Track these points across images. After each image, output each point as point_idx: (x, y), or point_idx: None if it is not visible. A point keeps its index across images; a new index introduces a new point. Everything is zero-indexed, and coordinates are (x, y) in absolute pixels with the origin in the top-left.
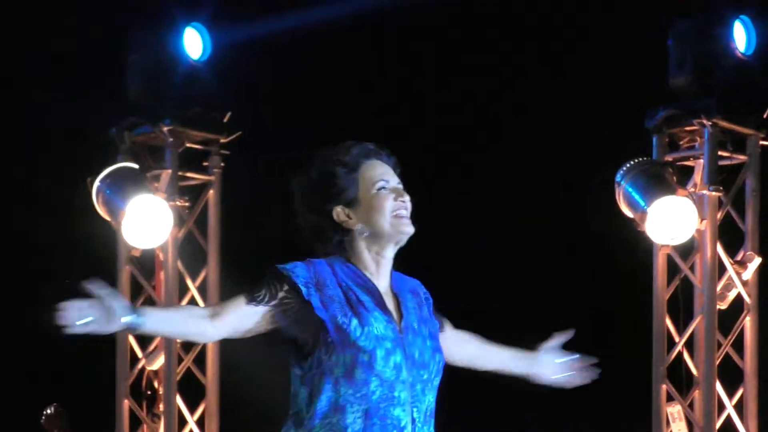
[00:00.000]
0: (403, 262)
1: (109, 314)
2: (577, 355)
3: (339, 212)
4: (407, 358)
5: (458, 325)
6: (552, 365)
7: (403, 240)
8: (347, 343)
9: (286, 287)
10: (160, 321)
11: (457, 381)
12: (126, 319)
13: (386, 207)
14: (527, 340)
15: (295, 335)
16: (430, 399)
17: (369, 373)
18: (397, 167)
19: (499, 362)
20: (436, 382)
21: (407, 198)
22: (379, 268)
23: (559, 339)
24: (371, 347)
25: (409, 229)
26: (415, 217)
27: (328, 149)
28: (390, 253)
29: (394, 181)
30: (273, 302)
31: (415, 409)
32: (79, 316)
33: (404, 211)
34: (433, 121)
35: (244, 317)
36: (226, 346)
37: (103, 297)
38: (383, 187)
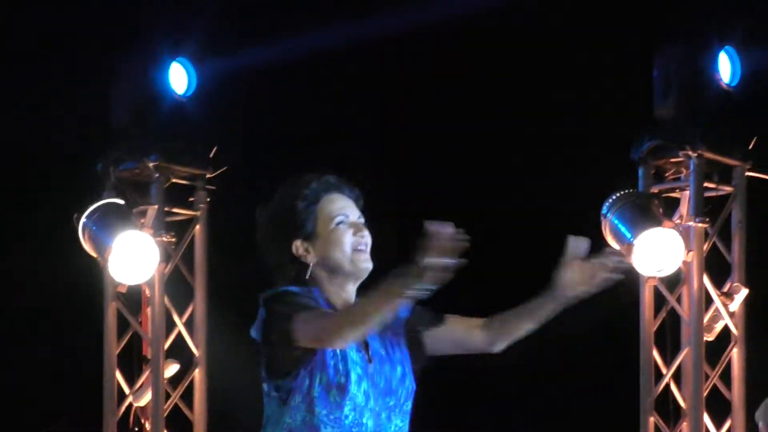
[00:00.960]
0: None
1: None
2: (599, 259)
3: (298, 246)
4: (374, 386)
5: None
6: (581, 275)
7: (363, 275)
8: (324, 364)
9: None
10: None
11: (440, 400)
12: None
13: (344, 242)
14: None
15: (280, 350)
16: (397, 424)
17: (344, 396)
18: (359, 200)
19: (527, 315)
20: (407, 407)
21: (366, 233)
22: (343, 301)
23: (576, 246)
24: (346, 369)
25: (368, 265)
26: (374, 253)
27: (289, 182)
28: (351, 287)
29: (354, 215)
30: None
31: None
32: None
33: (363, 246)
34: (417, 154)
35: None
36: (214, 381)
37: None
38: (342, 222)
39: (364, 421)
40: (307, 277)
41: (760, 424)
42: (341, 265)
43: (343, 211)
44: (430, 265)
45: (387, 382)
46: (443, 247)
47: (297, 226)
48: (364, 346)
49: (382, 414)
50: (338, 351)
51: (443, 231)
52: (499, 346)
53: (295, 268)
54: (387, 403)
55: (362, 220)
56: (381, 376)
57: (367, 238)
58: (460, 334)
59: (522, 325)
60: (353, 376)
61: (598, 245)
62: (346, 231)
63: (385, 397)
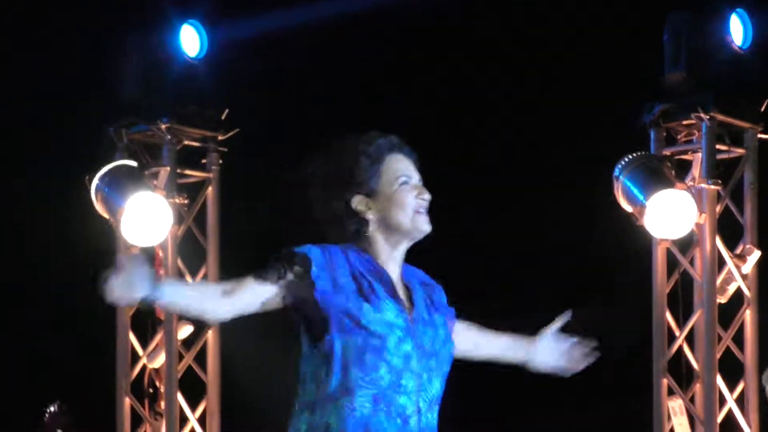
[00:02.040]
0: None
1: (131, 284)
2: (576, 339)
3: (359, 202)
4: (417, 347)
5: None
6: (551, 351)
7: (420, 236)
8: (359, 326)
9: (297, 268)
10: (176, 295)
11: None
12: (143, 291)
13: (407, 202)
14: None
15: (305, 315)
16: (436, 386)
17: (379, 358)
18: (417, 163)
19: (498, 350)
20: (445, 369)
21: (428, 196)
22: (393, 260)
23: (557, 323)
24: (383, 332)
25: (427, 227)
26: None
27: (351, 138)
28: (404, 246)
29: (416, 177)
30: (281, 281)
31: (421, 399)
32: (109, 286)
33: (424, 208)
34: (432, 119)
35: (254, 295)
36: (227, 343)
37: (128, 268)
38: (405, 182)
39: (403, 382)
40: (367, 234)
41: (767, 388)
42: (402, 225)
43: (407, 171)
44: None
45: (431, 343)
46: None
47: (360, 182)
48: (409, 306)
49: (423, 375)
50: (374, 312)
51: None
52: (458, 354)
53: (354, 222)
54: (429, 364)
55: (422, 182)
56: (424, 336)
57: (427, 201)
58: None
59: (490, 353)
60: (392, 339)
61: (611, 209)
62: (410, 192)
63: (429, 359)
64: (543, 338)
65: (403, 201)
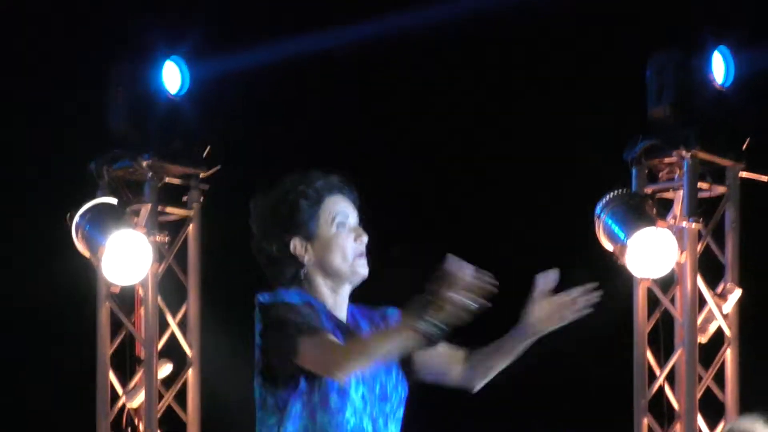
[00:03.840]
0: None
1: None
2: (572, 290)
3: (296, 245)
4: (371, 391)
5: None
6: (550, 312)
7: (359, 281)
8: None
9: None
10: None
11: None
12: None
13: (345, 246)
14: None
15: (277, 366)
16: (392, 430)
17: (344, 401)
18: (357, 202)
19: (502, 354)
20: (399, 413)
21: (365, 239)
22: (337, 303)
23: (545, 282)
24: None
25: (364, 272)
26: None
27: (293, 178)
28: (346, 290)
29: (354, 219)
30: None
31: None
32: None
33: (362, 252)
34: (410, 156)
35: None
36: (207, 381)
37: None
38: (342, 224)
39: (365, 425)
40: (302, 278)
41: None
42: (340, 270)
43: (344, 214)
44: (452, 302)
45: (382, 387)
46: (467, 286)
47: (298, 224)
48: None
49: (379, 420)
50: None
51: (464, 271)
52: (476, 385)
53: (291, 264)
54: (383, 408)
55: (360, 225)
56: (376, 380)
57: (365, 242)
58: (442, 364)
59: (498, 361)
60: (352, 380)
61: (591, 247)
62: (348, 236)
63: (381, 402)
64: (534, 307)
65: (341, 245)
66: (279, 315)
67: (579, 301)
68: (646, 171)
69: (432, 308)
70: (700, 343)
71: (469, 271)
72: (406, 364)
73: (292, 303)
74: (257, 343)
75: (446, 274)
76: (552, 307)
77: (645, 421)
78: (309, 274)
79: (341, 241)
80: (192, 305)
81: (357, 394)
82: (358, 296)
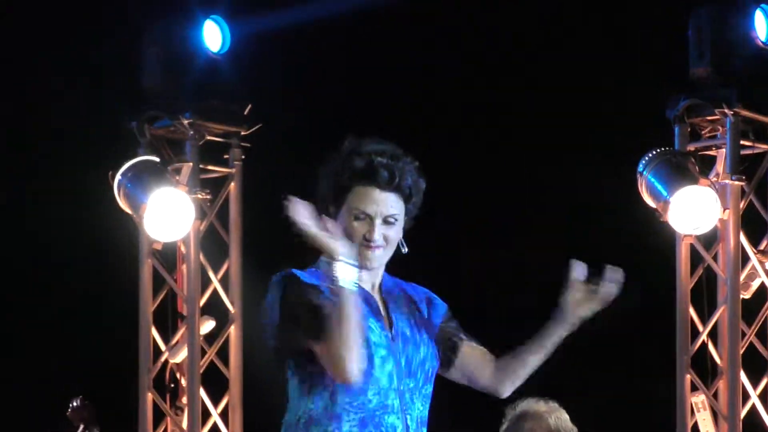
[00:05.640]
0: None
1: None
2: (602, 279)
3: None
4: (397, 365)
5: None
6: (582, 300)
7: (368, 268)
8: None
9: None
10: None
11: None
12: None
13: (355, 235)
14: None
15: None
16: (419, 407)
17: (367, 381)
18: (400, 188)
19: (536, 350)
20: (426, 390)
21: (377, 235)
22: (364, 276)
23: (578, 272)
24: (369, 354)
25: (366, 263)
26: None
27: (345, 146)
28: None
29: (376, 212)
30: None
31: (408, 416)
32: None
33: (373, 243)
34: (455, 113)
35: None
36: (249, 338)
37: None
38: (358, 218)
39: (389, 402)
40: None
41: None
42: None
43: (367, 207)
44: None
45: (408, 362)
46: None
47: (329, 202)
48: (388, 324)
49: (405, 395)
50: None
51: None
52: (507, 390)
53: None
54: (408, 384)
55: (391, 213)
56: (404, 355)
57: (378, 238)
58: (472, 368)
59: (531, 358)
60: (377, 360)
61: (635, 204)
62: (359, 230)
63: (407, 378)
64: (570, 293)
65: (351, 235)
66: (291, 299)
67: (608, 287)
68: (689, 129)
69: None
70: (742, 300)
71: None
72: (448, 351)
73: (300, 282)
74: (272, 324)
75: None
76: (584, 294)
77: (688, 377)
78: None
79: (352, 231)
80: (234, 262)
81: (383, 372)
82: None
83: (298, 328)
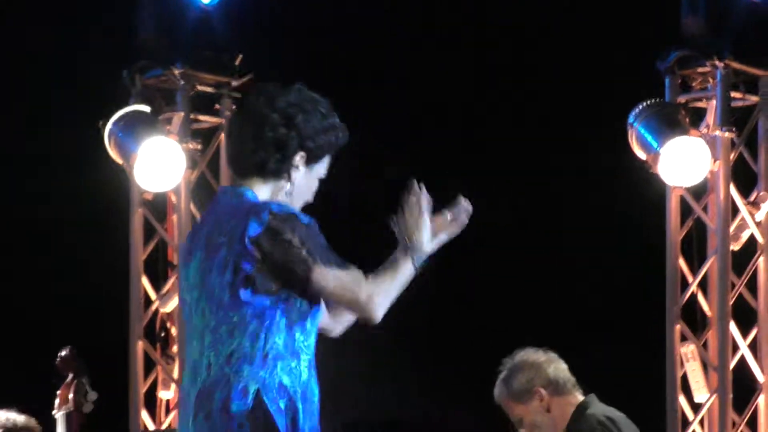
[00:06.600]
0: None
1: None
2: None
3: (299, 160)
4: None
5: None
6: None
7: None
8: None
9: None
10: None
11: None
12: None
13: (308, 198)
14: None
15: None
16: None
17: (314, 325)
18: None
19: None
20: None
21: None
22: None
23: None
24: (319, 301)
25: None
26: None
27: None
28: None
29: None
30: None
31: None
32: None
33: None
34: (450, 68)
35: None
36: None
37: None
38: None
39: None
40: (282, 180)
41: None
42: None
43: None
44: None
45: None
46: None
47: (311, 147)
48: None
49: None
50: None
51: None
52: (337, 330)
53: (278, 163)
54: None
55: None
56: None
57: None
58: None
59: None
60: (322, 306)
61: (624, 155)
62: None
63: None
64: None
65: (306, 195)
66: (295, 232)
67: (458, 217)
68: (679, 81)
69: (415, 238)
70: (732, 251)
71: (426, 199)
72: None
73: (304, 221)
74: (247, 247)
75: (411, 203)
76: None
77: (677, 327)
78: (286, 185)
79: (309, 193)
80: None
81: (316, 321)
82: None
83: (305, 245)
